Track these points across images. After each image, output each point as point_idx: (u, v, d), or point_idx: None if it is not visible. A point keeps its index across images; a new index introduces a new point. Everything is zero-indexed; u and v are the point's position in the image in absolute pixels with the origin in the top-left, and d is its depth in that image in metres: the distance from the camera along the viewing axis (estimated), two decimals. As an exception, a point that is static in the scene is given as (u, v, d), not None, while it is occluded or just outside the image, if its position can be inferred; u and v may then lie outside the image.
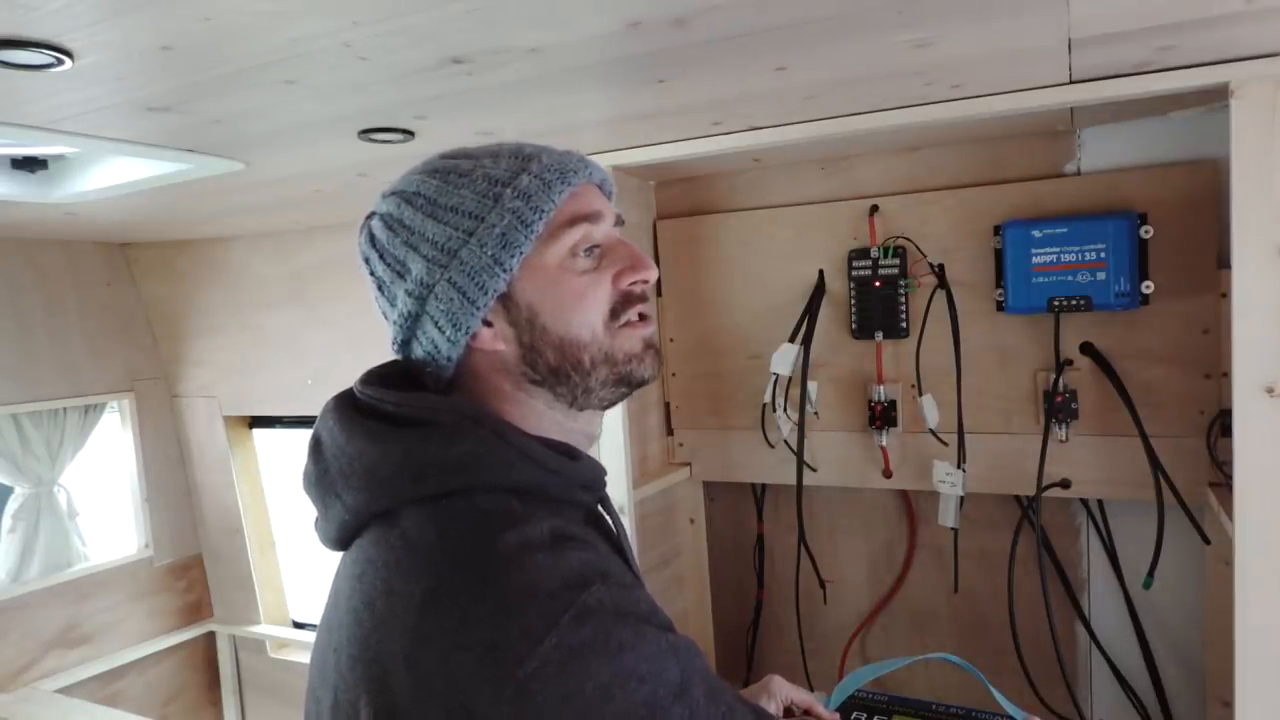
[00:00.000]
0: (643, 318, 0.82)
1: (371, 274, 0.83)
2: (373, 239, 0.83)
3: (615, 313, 0.80)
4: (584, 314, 0.79)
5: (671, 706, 0.65)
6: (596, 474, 0.84)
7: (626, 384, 0.82)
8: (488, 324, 0.79)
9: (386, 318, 0.83)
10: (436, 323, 0.79)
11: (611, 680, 0.63)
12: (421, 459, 0.73)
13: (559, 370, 0.79)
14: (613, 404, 0.84)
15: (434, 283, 0.78)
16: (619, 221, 0.85)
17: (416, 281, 0.79)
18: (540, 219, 0.77)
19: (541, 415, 0.81)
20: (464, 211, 0.78)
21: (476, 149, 0.83)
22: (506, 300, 0.78)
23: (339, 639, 0.71)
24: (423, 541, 0.69)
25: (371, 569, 0.71)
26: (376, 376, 0.82)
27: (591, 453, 0.86)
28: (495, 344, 0.79)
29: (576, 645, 0.63)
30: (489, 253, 0.76)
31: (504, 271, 0.77)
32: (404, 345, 0.82)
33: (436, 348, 0.80)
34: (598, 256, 0.80)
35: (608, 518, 0.85)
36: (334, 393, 0.83)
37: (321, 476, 0.78)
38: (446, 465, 0.72)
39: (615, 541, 0.82)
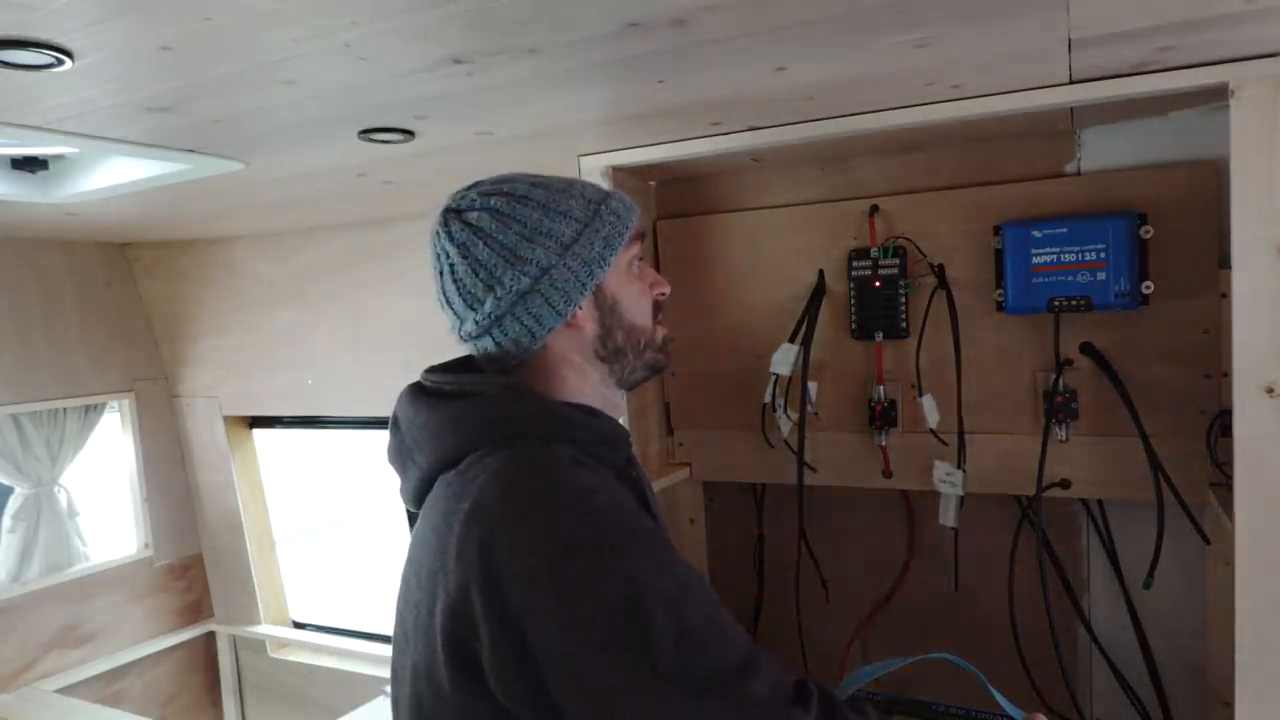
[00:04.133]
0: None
1: (464, 258, 0.96)
2: (473, 229, 0.97)
3: (652, 312, 1.06)
4: (643, 309, 1.04)
5: (656, 608, 0.76)
6: (615, 429, 1.00)
7: (654, 369, 1.07)
8: (578, 308, 0.98)
9: (459, 303, 0.98)
10: (549, 299, 0.96)
11: (603, 574, 0.78)
12: (473, 419, 0.92)
13: (622, 349, 1.02)
14: (638, 385, 1.08)
15: (551, 266, 0.95)
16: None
17: (535, 265, 0.95)
18: (627, 231, 1.00)
19: (591, 384, 1.01)
20: (574, 217, 0.97)
21: (545, 179, 1.01)
22: (598, 288, 0.99)
23: (419, 564, 0.90)
24: (471, 474, 0.87)
25: (438, 503, 0.89)
26: (437, 369, 1.03)
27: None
28: (585, 321, 0.99)
29: (575, 543, 0.78)
30: (597, 249, 0.97)
31: (604, 265, 0.98)
32: (480, 334, 0.99)
33: (534, 325, 0.97)
34: (640, 270, 1.05)
35: (638, 475, 1.03)
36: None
37: (400, 447, 0.99)
38: (493, 422, 0.91)
39: (642, 496, 0.97)
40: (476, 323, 0.97)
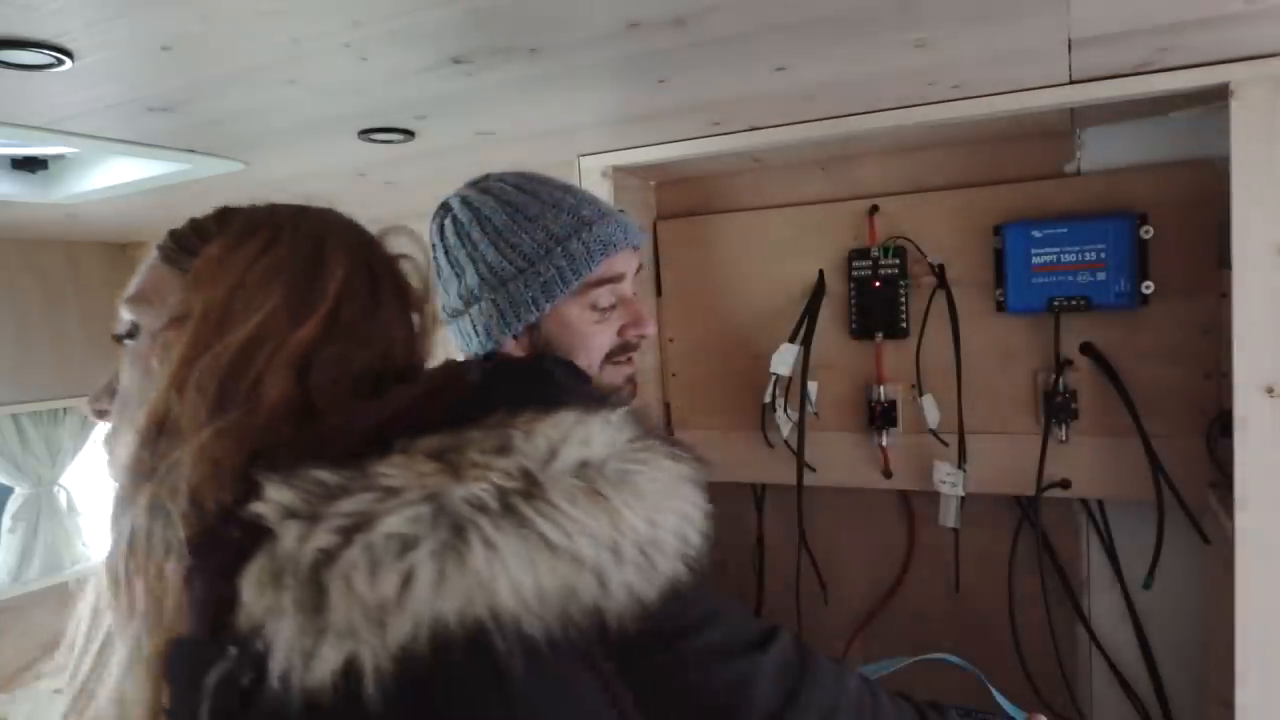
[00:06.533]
0: (630, 359, 1.01)
1: (434, 258, 1.01)
2: (443, 233, 1.01)
3: (611, 355, 0.99)
4: (587, 354, 0.97)
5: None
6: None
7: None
8: (514, 337, 0.99)
9: (442, 289, 1.03)
10: (475, 325, 0.98)
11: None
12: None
13: None
14: None
15: (481, 297, 0.96)
16: (640, 269, 1.03)
17: (468, 289, 0.97)
18: (578, 279, 0.95)
19: None
20: (521, 252, 0.95)
21: (551, 188, 1.00)
22: (533, 328, 0.97)
23: None
24: None
25: None
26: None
27: None
28: (515, 352, 0.99)
29: None
30: (530, 293, 0.94)
31: (538, 310, 0.95)
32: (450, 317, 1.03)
33: (467, 341, 1.00)
34: (608, 312, 0.99)
35: None
36: None
37: None
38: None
39: None
40: (442, 307, 1.03)
